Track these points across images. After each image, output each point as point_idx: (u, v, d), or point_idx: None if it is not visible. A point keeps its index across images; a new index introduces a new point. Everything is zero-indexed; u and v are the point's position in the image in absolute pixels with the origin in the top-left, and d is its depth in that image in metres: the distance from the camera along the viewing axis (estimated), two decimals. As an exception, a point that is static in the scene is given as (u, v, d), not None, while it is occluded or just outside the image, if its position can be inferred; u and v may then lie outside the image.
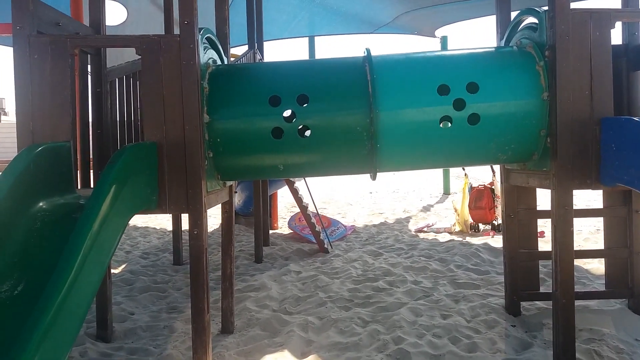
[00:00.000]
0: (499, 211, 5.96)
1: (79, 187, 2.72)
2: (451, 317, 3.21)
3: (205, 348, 2.48)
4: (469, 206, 6.02)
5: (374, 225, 6.85)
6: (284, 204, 8.85)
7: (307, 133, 2.66)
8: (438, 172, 11.24)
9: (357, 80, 2.61)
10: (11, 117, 36.70)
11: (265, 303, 3.70)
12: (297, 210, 8.45)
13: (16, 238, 1.96)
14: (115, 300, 3.69)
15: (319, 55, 12.95)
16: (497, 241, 5.32)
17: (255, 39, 5.72)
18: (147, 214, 2.46)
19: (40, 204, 2.13)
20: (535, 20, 2.79)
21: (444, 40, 9.79)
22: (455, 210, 6.25)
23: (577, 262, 4.02)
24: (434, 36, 10.00)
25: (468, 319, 3.17)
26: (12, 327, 1.69)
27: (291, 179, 5.46)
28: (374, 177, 2.79)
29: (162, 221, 7.31)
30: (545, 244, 4.96)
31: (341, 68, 2.74)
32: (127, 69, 3.62)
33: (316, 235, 5.38)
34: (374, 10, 9.01)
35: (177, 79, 2.43)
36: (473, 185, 6.15)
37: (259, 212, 5.19)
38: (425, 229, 6.23)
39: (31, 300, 1.78)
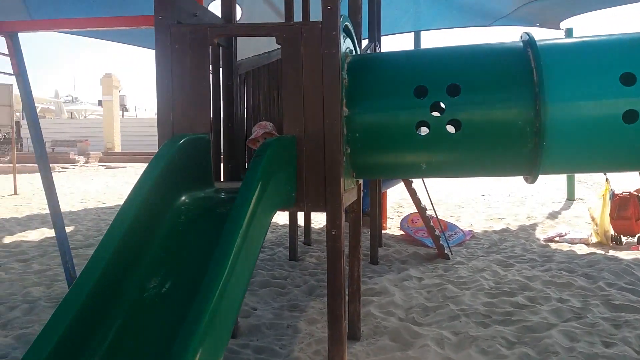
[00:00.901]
0: (646, 221, 5.23)
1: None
2: (615, 345, 2.75)
3: (342, 357, 2.30)
4: (610, 216, 5.33)
5: (495, 232, 6.34)
6: (390, 203, 8.54)
7: (448, 128, 2.36)
8: (560, 176, 10.31)
9: (518, 67, 2.27)
10: (131, 113, 39.95)
11: (390, 310, 3.46)
12: (405, 210, 8.14)
13: (162, 232, 1.88)
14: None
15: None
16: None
17: (375, 32, 5.50)
18: (285, 211, 2.32)
19: (183, 197, 2.05)
20: None
21: (569, 33, 8.89)
22: (593, 220, 5.57)
23: None
24: (559, 28, 9.12)
25: (637, 350, 2.69)
26: (163, 327, 1.59)
27: (410, 178, 5.16)
28: (533, 180, 2.43)
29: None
30: None
31: (497, 54, 2.40)
32: (254, 62, 3.56)
33: (435, 239, 5.04)
34: (492, 2, 8.39)
35: (318, 70, 2.26)
36: (615, 192, 5.43)
37: (375, 211, 4.96)
38: (557, 239, 5.62)
39: (180, 300, 1.68)
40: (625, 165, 2.45)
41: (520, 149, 2.28)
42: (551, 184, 11.61)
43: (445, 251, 5.00)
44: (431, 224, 5.09)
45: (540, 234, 6.05)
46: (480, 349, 2.77)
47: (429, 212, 5.43)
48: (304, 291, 3.92)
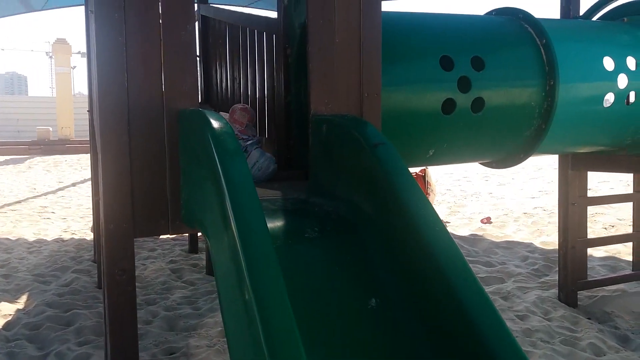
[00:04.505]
0: (431, 198, 5.93)
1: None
2: (527, 317, 2.91)
3: None
4: (400, 194, 5.83)
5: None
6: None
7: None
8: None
9: (526, 44, 2.11)
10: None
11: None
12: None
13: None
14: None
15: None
16: (453, 228, 5.23)
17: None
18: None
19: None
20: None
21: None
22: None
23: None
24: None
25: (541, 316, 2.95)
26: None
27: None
28: (513, 164, 2.30)
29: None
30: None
31: (502, 29, 2.18)
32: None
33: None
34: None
35: (354, 30, 1.63)
36: (404, 173, 5.95)
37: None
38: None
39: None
40: (607, 143, 2.45)
41: (523, 131, 2.14)
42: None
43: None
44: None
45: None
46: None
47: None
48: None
